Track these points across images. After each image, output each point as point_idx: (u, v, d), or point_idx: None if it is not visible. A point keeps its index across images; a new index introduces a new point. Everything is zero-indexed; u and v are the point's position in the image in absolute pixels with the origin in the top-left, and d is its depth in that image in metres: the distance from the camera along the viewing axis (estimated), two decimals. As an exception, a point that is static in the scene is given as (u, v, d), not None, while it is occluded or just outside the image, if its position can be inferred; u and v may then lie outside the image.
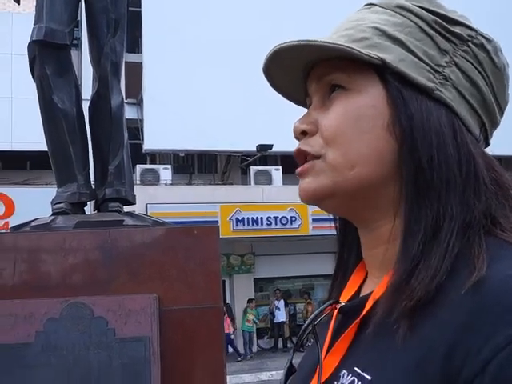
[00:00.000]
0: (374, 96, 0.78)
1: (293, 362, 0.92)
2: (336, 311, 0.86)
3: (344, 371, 0.76)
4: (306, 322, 0.91)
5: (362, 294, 0.85)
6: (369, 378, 0.70)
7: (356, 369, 0.74)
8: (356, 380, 0.72)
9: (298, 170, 0.83)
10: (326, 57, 0.81)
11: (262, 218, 17.06)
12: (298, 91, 0.90)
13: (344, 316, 0.84)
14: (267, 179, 17.97)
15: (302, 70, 0.86)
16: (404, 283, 0.71)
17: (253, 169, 18.31)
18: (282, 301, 19.30)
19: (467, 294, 0.64)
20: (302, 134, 0.83)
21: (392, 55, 0.78)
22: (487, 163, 0.77)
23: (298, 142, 0.85)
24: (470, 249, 0.69)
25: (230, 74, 16.91)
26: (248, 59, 15.52)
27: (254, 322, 18.56)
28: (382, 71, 0.78)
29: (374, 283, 0.80)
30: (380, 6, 0.84)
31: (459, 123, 0.77)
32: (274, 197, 16.60)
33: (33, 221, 3.42)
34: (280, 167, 18.02)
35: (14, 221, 12.86)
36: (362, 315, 0.77)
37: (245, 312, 18.40)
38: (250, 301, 18.71)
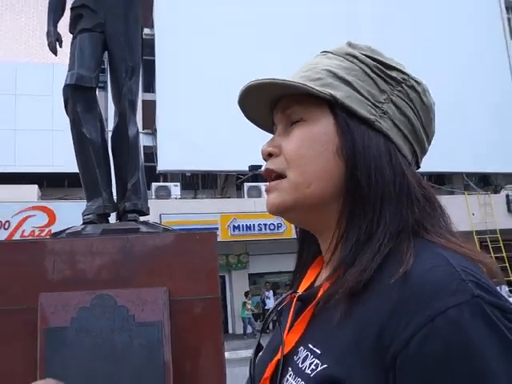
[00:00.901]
0: (326, 125, 0.78)
1: (260, 341, 0.92)
2: (295, 299, 0.86)
3: (301, 347, 0.76)
4: (270, 309, 0.91)
5: (316, 284, 0.85)
6: (319, 352, 0.71)
7: (309, 345, 0.74)
8: (309, 354, 0.72)
9: (266, 187, 0.84)
10: (288, 93, 0.81)
11: (254, 225, 17.03)
12: (267, 121, 0.90)
13: (302, 303, 0.84)
14: (258, 193, 17.93)
15: (269, 104, 0.87)
16: (340, 277, 0.71)
17: (246, 185, 18.28)
18: (271, 291, 19.23)
19: (395, 284, 0.64)
20: (268, 156, 0.84)
21: (341, 92, 0.78)
22: (417, 181, 0.77)
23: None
24: (400, 248, 0.69)
25: (226, 109, 16.93)
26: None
27: (252, 309, 18.45)
28: (332, 105, 0.78)
29: (325, 276, 0.79)
30: (332, 53, 0.84)
31: (395, 149, 0.77)
32: (264, 207, 16.45)
33: (68, 229, 3.42)
34: (268, 183, 17.98)
35: (55, 229, 12.82)
36: (314, 302, 0.77)
37: (244, 304, 18.28)
38: (246, 294, 18.64)
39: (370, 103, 0.79)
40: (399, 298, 0.63)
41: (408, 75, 0.82)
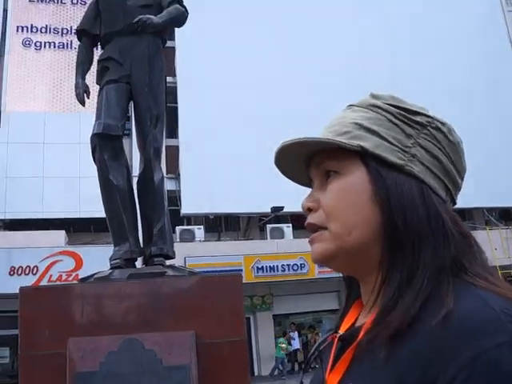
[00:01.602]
0: (359, 175, 0.80)
1: (303, 380, 0.93)
2: (336, 339, 0.86)
3: None
4: (313, 348, 0.92)
5: (357, 325, 0.85)
6: None
7: None
8: None
9: (310, 238, 0.85)
10: (320, 149, 0.84)
11: (277, 266, 16.95)
12: (302, 177, 0.92)
13: (343, 343, 0.84)
14: (280, 234, 17.88)
15: (304, 161, 0.89)
16: (383, 317, 0.72)
17: (268, 226, 18.26)
18: (296, 332, 18.99)
19: (437, 326, 0.65)
20: (308, 210, 0.85)
21: (369, 143, 0.80)
22: (452, 218, 0.78)
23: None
24: (440, 289, 0.70)
25: (247, 153, 17.13)
26: (261, 136, 15.81)
27: (287, 349, 18.10)
28: (363, 155, 0.80)
29: (365, 317, 0.80)
30: (357, 106, 0.87)
31: (427, 189, 0.78)
32: (287, 248, 16.51)
33: (96, 273, 3.44)
34: (290, 224, 17.94)
35: (82, 273, 12.90)
36: (356, 342, 0.77)
37: (279, 343, 18.02)
38: (284, 334, 18.48)
39: (398, 149, 0.81)
40: (441, 340, 0.64)
41: (432, 118, 0.84)
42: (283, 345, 17.87)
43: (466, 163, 0.86)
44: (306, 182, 0.92)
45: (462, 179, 0.86)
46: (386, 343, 0.69)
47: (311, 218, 0.84)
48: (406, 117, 0.83)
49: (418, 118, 0.83)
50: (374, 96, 0.87)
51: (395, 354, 0.68)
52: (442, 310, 0.66)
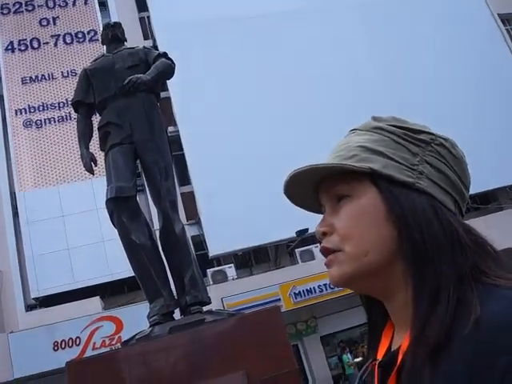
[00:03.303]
0: (371, 196, 0.82)
1: None
2: (376, 367, 0.86)
3: None
4: (356, 381, 0.92)
5: (393, 348, 0.85)
6: None
7: None
8: None
9: (326, 261, 0.86)
10: (329, 174, 0.85)
11: (314, 288, 16.81)
12: (313, 204, 0.93)
13: (383, 369, 0.84)
14: (310, 256, 17.74)
15: (312, 188, 0.90)
16: (420, 335, 0.73)
17: (297, 250, 18.15)
18: (347, 349, 18.67)
19: (470, 334, 0.67)
20: (322, 235, 0.87)
21: (377, 164, 0.82)
22: (465, 229, 0.80)
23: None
24: (465, 296, 0.72)
25: (261, 184, 17.16)
26: (269, 166, 15.86)
27: (354, 362, 17.70)
28: (372, 177, 0.82)
29: (400, 338, 0.81)
30: (361, 130, 0.90)
31: (438, 204, 0.81)
32: (319, 268, 16.35)
33: (136, 334, 3.46)
34: (318, 244, 17.75)
35: (125, 335, 12.93)
36: (397, 366, 0.78)
37: (345, 361, 17.62)
38: (343, 349, 18.15)
39: (406, 168, 0.83)
40: (478, 346, 0.65)
41: (434, 135, 0.86)
42: (351, 361, 17.49)
43: (470, 176, 0.88)
44: (315, 208, 0.93)
45: (468, 191, 0.89)
46: (428, 360, 0.70)
47: (326, 242, 0.85)
48: (409, 136, 0.85)
49: (421, 136, 0.85)
50: (376, 119, 0.90)
51: (439, 370, 0.69)
52: (471, 318, 0.67)
